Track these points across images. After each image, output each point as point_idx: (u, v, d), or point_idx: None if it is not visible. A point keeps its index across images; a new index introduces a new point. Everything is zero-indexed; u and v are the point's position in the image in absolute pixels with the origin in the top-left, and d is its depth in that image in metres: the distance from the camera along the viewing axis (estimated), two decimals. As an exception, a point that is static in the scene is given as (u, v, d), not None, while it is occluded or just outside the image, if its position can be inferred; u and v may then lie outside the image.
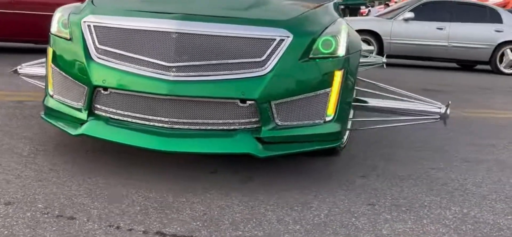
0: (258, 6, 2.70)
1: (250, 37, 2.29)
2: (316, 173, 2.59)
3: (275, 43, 2.30)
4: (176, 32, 2.24)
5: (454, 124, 4.06)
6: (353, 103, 2.97)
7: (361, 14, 18.87)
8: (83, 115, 2.40)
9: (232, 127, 2.30)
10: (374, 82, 3.10)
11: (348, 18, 9.75)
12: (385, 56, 8.31)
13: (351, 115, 3.08)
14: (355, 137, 3.26)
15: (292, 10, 2.64)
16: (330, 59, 2.43)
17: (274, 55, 2.29)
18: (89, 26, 2.42)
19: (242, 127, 2.31)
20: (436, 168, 2.80)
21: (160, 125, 2.29)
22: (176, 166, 2.52)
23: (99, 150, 2.66)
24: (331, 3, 3.23)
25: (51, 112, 2.58)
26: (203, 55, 2.26)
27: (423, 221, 2.05)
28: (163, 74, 2.23)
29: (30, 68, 3.42)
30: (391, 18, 9.49)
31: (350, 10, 22.89)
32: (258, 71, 2.28)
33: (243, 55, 2.28)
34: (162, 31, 2.27)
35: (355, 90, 3.12)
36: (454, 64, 10.38)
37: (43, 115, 2.63)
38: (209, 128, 2.30)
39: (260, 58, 2.28)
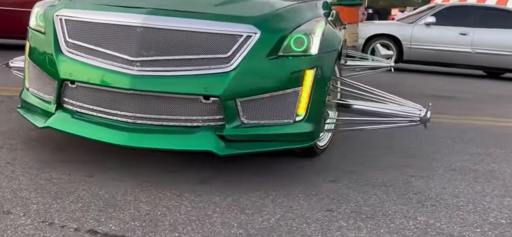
0: (231, 2, 2.63)
1: (216, 33, 2.25)
2: (283, 175, 2.49)
3: (241, 39, 2.25)
4: (141, 27, 2.22)
5: (455, 131, 3.90)
6: (335, 105, 2.88)
7: (392, 19, 18.54)
8: (52, 108, 2.41)
9: (195, 124, 2.25)
10: (359, 85, 2.98)
11: (367, 22, 9.57)
12: (392, 60, 8.15)
13: (334, 117, 2.98)
14: (343, 139, 3.15)
15: (265, 7, 2.55)
16: (302, 57, 2.36)
17: (240, 52, 2.24)
18: (61, 20, 2.43)
19: (206, 124, 2.26)
20: (417, 176, 2.65)
21: (124, 119, 2.26)
22: (137, 162, 2.46)
23: (67, 144, 2.63)
24: (317, 1, 3.14)
25: (26, 105, 2.61)
26: (168, 50, 2.22)
27: (380, 231, 1.92)
28: (127, 69, 2.21)
29: (22, 62, 3.46)
30: (412, 22, 9.23)
31: (379, 15, 22.52)
32: (223, 67, 2.22)
33: (208, 51, 2.23)
34: (128, 25, 2.26)
35: (338, 92, 3.03)
36: (480, 72, 9.99)
37: (18, 109, 2.64)
38: (171, 124, 2.25)
39: (225, 55, 2.23)
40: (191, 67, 2.23)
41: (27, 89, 2.62)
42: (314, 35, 2.42)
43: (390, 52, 9.03)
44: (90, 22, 2.35)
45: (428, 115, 2.70)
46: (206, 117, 2.25)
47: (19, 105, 2.66)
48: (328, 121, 2.96)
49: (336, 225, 1.94)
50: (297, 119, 2.35)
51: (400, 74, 8.67)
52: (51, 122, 2.35)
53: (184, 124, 2.25)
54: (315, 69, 2.37)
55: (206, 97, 2.21)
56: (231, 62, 2.23)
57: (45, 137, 2.70)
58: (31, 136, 2.76)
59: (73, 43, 2.37)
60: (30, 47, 2.60)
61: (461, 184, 2.57)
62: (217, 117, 2.25)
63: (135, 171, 2.35)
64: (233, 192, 2.19)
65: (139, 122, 2.25)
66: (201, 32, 2.24)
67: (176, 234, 1.76)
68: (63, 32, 2.40)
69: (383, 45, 9.06)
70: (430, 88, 6.77)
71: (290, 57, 2.34)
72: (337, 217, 2.02)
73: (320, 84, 2.43)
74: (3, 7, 6.46)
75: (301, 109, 2.35)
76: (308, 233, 1.85)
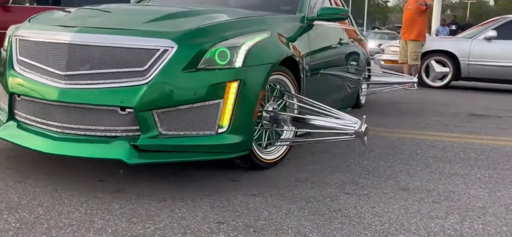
0: (160, 20, 2.68)
1: (134, 47, 2.36)
2: (201, 186, 2.50)
3: (158, 53, 2.34)
4: (69, 43, 2.41)
5: (449, 149, 3.63)
6: (289, 119, 2.88)
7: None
8: (4, 117, 2.67)
9: (113, 134, 2.37)
10: (306, 99, 2.93)
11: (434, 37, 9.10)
12: (448, 77, 7.87)
13: (290, 131, 2.98)
14: (313, 153, 3.10)
15: (191, 23, 2.62)
16: (224, 70, 2.42)
17: (156, 65, 2.33)
18: (16, 39, 2.68)
19: (124, 134, 2.36)
20: (352, 193, 2.52)
21: (54, 129, 2.45)
22: (78, 169, 2.63)
23: (23, 154, 2.88)
24: (270, 17, 3.16)
25: None
26: (91, 65, 2.37)
27: (253, 244, 1.88)
28: (56, 82, 2.40)
29: None
30: (470, 37, 8.65)
31: (463, 31, 21.11)
32: (139, 80, 2.33)
33: (127, 64, 2.35)
34: (60, 43, 2.45)
35: (294, 108, 2.99)
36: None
37: None
38: (93, 134, 2.39)
39: (142, 68, 2.34)
40: (111, 80, 2.35)
41: None
42: (240, 49, 2.48)
43: (446, 70, 8.55)
44: (35, 40, 2.58)
45: (363, 128, 2.63)
46: (124, 128, 2.36)
47: None
48: (284, 136, 2.96)
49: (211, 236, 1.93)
50: (220, 130, 2.41)
51: (456, 92, 8.17)
52: None
53: (104, 134, 2.37)
54: (238, 81, 2.42)
55: (123, 108, 2.32)
56: (147, 75, 2.32)
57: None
58: None
59: (22, 60, 2.60)
60: None
61: (395, 204, 2.41)
62: (134, 128, 2.34)
63: (63, 177, 2.51)
64: (138, 203, 2.25)
65: (67, 131, 2.41)
66: (122, 47, 2.37)
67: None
68: (16, 50, 2.65)
69: (438, 62, 8.60)
70: (469, 106, 6.29)
71: (207, 71, 2.40)
72: (225, 229, 2.00)
73: (245, 96, 2.46)
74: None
75: (224, 121, 2.41)
76: (175, 242, 1.87)
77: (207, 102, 2.37)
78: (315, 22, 3.67)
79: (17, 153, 2.90)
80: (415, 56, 8.06)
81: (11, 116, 2.62)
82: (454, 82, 8.77)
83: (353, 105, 5.39)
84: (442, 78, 8.63)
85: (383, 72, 6.84)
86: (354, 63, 5.05)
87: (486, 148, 3.79)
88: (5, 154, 2.88)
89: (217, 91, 2.38)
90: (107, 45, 2.38)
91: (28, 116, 2.55)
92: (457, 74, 8.51)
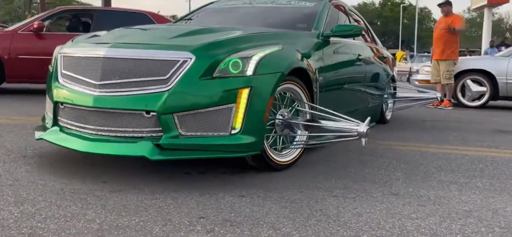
0: (182, 36, 3.06)
1: (158, 59, 2.72)
2: (195, 187, 2.64)
3: (178, 64, 2.68)
4: (103, 57, 2.78)
5: (458, 160, 3.62)
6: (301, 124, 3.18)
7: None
8: (50, 123, 3.07)
9: (139, 135, 2.69)
10: (315, 106, 3.06)
11: (461, 58, 8.91)
12: (486, 97, 7.81)
13: (302, 135, 3.25)
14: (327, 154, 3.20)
15: (210, 37, 2.98)
16: (237, 78, 2.72)
17: (177, 74, 2.66)
18: (61, 56, 3.08)
19: (148, 135, 2.68)
20: (339, 196, 2.59)
21: (89, 131, 2.80)
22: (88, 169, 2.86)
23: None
24: (283, 33, 3.56)
25: (42, 124, 3.27)
26: (122, 75, 2.72)
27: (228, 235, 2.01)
28: (92, 91, 2.77)
29: None
30: (508, 56, 8.43)
31: None
32: (162, 87, 2.65)
33: (152, 74, 2.69)
34: (95, 57, 2.84)
35: (307, 113, 3.26)
36: None
37: (35, 127, 3.33)
38: (121, 135, 2.72)
39: (165, 77, 2.67)
40: (138, 88, 2.68)
41: (46, 112, 3.28)
42: (251, 60, 2.79)
43: (483, 89, 8.35)
44: (76, 56, 2.97)
45: (364, 129, 2.94)
46: (148, 129, 2.67)
47: (36, 127, 3.34)
48: (296, 139, 3.24)
49: (189, 228, 2.07)
50: (233, 131, 2.70)
51: (495, 111, 7.97)
52: (43, 135, 3.00)
53: (131, 135, 2.70)
54: (249, 88, 2.72)
55: (147, 112, 2.64)
56: (169, 83, 2.65)
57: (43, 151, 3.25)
58: (27, 153, 3.33)
59: (65, 74, 2.99)
60: (47, 81, 3.27)
61: (380, 206, 2.46)
62: (157, 129, 2.65)
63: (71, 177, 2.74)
64: (131, 198, 2.43)
65: (100, 133, 2.76)
66: (147, 59, 2.73)
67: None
68: (61, 65, 3.05)
69: (474, 81, 8.42)
70: (506, 125, 6.14)
71: (222, 79, 2.69)
72: (201, 222, 2.14)
73: (256, 101, 2.75)
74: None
75: (237, 123, 2.70)
76: (152, 232, 2.02)
77: (221, 107, 2.67)
78: (331, 39, 3.94)
79: (38, 159, 3.17)
80: (448, 75, 7.96)
81: (55, 122, 3.01)
82: (495, 103, 8.55)
83: (377, 120, 5.53)
84: (479, 98, 8.44)
85: (408, 89, 7.02)
86: (375, 78, 5.22)
87: (498, 160, 3.74)
88: (25, 160, 3.16)
89: (230, 96, 2.68)
90: (135, 58, 2.74)
91: (68, 121, 2.93)
92: (495, 94, 8.30)
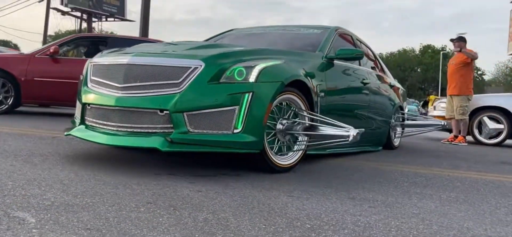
0: (195, 49, 3.47)
1: (173, 66, 3.11)
2: (165, 185, 2.77)
3: (190, 70, 3.07)
4: (126, 64, 3.20)
5: (439, 180, 3.61)
6: (301, 130, 3.49)
7: None
8: (77, 123, 3.48)
9: (153, 130, 3.06)
10: (315, 115, 3.21)
11: (478, 95, 8.84)
12: (503, 135, 7.79)
13: (302, 140, 3.57)
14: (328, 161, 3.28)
15: (219, 50, 3.40)
16: (239, 84, 3.08)
17: (188, 79, 3.05)
18: (91, 65, 3.52)
19: (161, 130, 3.04)
20: (294, 197, 2.66)
21: (111, 128, 3.18)
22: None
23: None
24: (287, 51, 3.98)
25: (71, 125, 3.63)
26: (141, 79, 3.12)
27: (171, 220, 2.12)
28: (115, 92, 3.18)
29: None
30: (526, 93, 8.27)
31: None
32: (175, 90, 3.04)
33: (167, 78, 3.08)
34: (120, 64, 3.25)
35: (305, 121, 3.55)
36: None
37: (65, 129, 3.63)
38: (138, 130, 3.09)
39: (178, 81, 3.06)
40: (155, 90, 3.07)
41: (74, 116, 3.69)
42: (254, 69, 3.15)
43: (500, 126, 8.20)
44: (103, 64, 3.39)
45: (354, 133, 3.29)
46: (161, 126, 3.04)
47: (66, 127, 3.67)
48: (297, 144, 3.54)
49: (133, 209, 2.20)
50: (235, 130, 3.04)
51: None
52: (72, 131, 3.40)
53: (146, 130, 3.07)
54: (251, 93, 3.07)
55: (161, 110, 3.01)
56: (181, 86, 3.03)
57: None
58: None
59: (94, 79, 3.41)
60: (78, 88, 3.65)
61: (330, 206, 2.52)
62: (169, 125, 3.01)
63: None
64: (101, 186, 2.59)
65: (120, 129, 3.14)
66: (163, 66, 3.12)
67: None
68: (90, 72, 3.47)
69: (491, 118, 8.29)
70: (500, 157, 6.02)
71: (227, 84, 3.07)
72: (147, 207, 2.26)
73: (256, 105, 3.10)
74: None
75: (239, 123, 3.04)
76: (103, 211, 2.16)
77: (225, 108, 3.02)
78: (335, 62, 4.37)
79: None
80: (461, 110, 7.87)
81: (82, 121, 3.42)
82: None
83: (384, 145, 5.85)
84: (496, 136, 8.27)
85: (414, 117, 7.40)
86: (380, 104, 5.54)
87: (479, 181, 3.71)
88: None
89: (234, 100, 3.03)
90: (153, 64, 3.14)
91: (93, 120, 3.32)
92: (511, 132, 8.11)
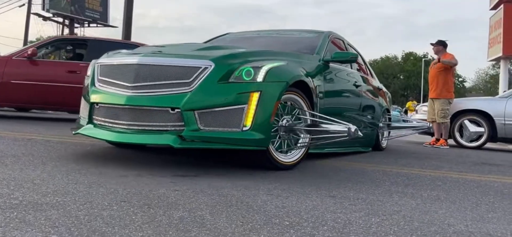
0: (203, 50, 3.58)
1: (183, 66, 3.19)
2: (145, 184, 2.69)
3: (200, 70, 3.16)
4: (137, 64, 3.26)
5: (421, 179, 3.59)
6: (303, 128, 3.64)
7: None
8: (85, 122, 3.51)
9: (164, 128, 3.13)
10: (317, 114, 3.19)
11: (459, 99, 8.92)
12: (483, 138, 7.84)
13: (305, 138, 3.69)
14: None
15: (227, 51, 3.49)
16: (248, 83, 3.17)
17: (198, 78, 3.13)
18: (97, 65, 3.58)
19: (172, 128, 3.11)
20: (274, 195, 2.60)
21: (121, 126, 3.23)
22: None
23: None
24: (289, 53, 4.13)
25: (77, 125, 3.69)
26: (152, 78, 3.19)
27: (140, 215, 2.05)
28: (125, 91, 3.22)
29: None
30: (507, 97, 8.36)
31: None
32: (185, 89, 3.12)
33: (178, 78, 3.16)
34: (130, 64, 3.31)
35: (308, 119, 3.70)
36: None
37: (72, 128, 3.72)
38: (150, 128, 3.15)
39: (188, 80, 3.14)
40: (166, 89, 3.14)
41: (79, 116, 3.75)
42: (261, 69, 3.25)
43: (481, 129, 8.26)
44: (111, 64, 3.44)
45: (353, 129, 3.44)
46: (173, 124, 3.11)
47: (73, 127, 3.75)
48: (300, 141, 3.68)
49: (106, 207, 2.12)
50: (244, 128, 3.13)
51: (498, 153, 7.84)
52: (81, 130, 3.46)
53: (158, 128, 3.14)
54: (259, 92, 3.17)
55: (173, 109, 3.08)
56: (192, 85, 3.12)
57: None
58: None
59: (101, 79, 3.45)
60: (83, 88, 3.72)
61: (309, 203, 2.46)
62: (180, 123, 3.08)
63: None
64: (91, 178, 2.50)
65: (131, 127, 3.19)
66: (174, 66, 3.20)
67: None
68: (97, 73, 3.52)
69: (472, 121, 8.34)
70: (498, 160, 6.03)
71: (236, 83, 3.16)
72: (120, 205, 2.18)
73: (264, 104, 3.19)
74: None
75: (248, 121, 3.13)
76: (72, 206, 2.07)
77: (235, 107, 3.12)
78: (331, 64, 4.53)
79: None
80: (442, 113, 7.91)
81: (90, 120, 3.44)
82: (503, 145, 8.43)
83: (373, 147, 6.03)
84: (477, 139, 8.33)
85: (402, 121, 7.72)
86: (370, 106, 5.74)
87: (460, 180, 3.70)
88: (35, 161, 3.27)
89: (243, 98, 3.13)
90: (164, 65, 3.21)
91: (102, 118, 3.35)
92: (493, 135, 8.18)
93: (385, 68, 71.80)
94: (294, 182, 3.09)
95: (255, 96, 3.14)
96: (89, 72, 3.68)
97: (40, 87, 6.86)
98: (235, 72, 3.18)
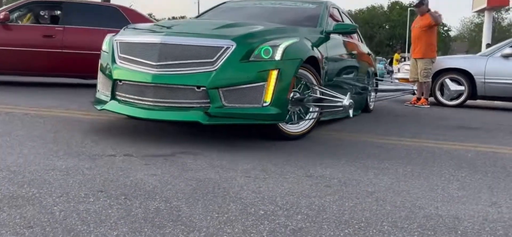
0: (222, 28, 3.75)
1: (206, 45, 3.38)
2: (125, 168, 2.70)
3: (223, 49, 3.34)
4: (160, 43, 3.39)
5: (399, 150, 3.65)
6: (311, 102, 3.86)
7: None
8: (108, 99, 3.62)
9: (190, 105, 3.32)
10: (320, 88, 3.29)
11: (440, 57, 8.98)
12: (464, 96, 7.93)
13: (313, 110, 3.96)
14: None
15: (244, 29, 3.66)
16: (268, 61, 3.38)
17: (221, 57, 3.31)
18: (116, 42, 3.67)
19: (198, 105, 3.31)
20: (252, 177, 2.63)
21: (147, 103, 3.39)
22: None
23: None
24: (309, 28, 4.43)
25: (97, 100, 3.82)
26: (176, 57, 3.34)
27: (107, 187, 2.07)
28: (150, 70, 3.36)
29: None
30: (487, 55, 8.43)
31: None
32: (210, 68, 3.30)
33: (202, 57, 3.34)
34: (152, 43, 3.45)
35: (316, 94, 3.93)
36: None
37: (92, 103, 3.87)
38: (176, 105, 3.33)
39: (212, 59, 3.32)
40: (190, 68, 3.31)
41: (98, 90, 3.87)
42: (278, 48, 3.44)
43: (461, 88, 8.36)
44: (132, 42, 3.58)
45: (347, 102, 3.70)
46: (198, 101, 3.30)
47: (92, 100, 3.92)
48: (308, 114, 3.93)
49: (83, 199, 2.13)
50: (264, 104, 3.36)
51: (476, 110, 7.96)
52: (106, 106, 3.58)
53: (184, 105, 3.32)
54: (277, 70, 3.38)
55: (198, 87, 3.28)
56: (215, 64, 3.30)
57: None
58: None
59: (122, 56, 3.56)
60: (100, 63, 3.81)
61: (285, 186, 2.50)
62: (205, 100, 3.28)
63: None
64: (68, 161, 2.50)
65: (157, 104, 3.35)
66: (197, 45, 3.38)
67: None
68: (117, 50, 3.61)
69: (452, 80, 8.43)
70: (477, 122, 6.15)
71: (256, 62, 3.36)
72: (96, 195, 2.19)
73: (282, 80, 3.41)
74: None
75: (268, 97, 3.36)
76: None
77: (256, 84, 3.34)
78: (332, 35, 4.72)
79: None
80: (425, 73, 7.96)
81: (113, 97, 3.57)
82: (486, 103, 8.55)
83: (363, 109, 6.26)
84: (458, 97, 8.44)
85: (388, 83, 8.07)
86: (362, 72, 5.99)
87: (436, 151, 3.77)
88: (12, 141, 3.25)
89: (263, 76, 3.34)
90: (187, 44, 3.38)
91: (126, 95, 3.49)
92: (473, 93, 8.29)
93: (370, 18, 71.48)
94: (273, 159, 3.12)
95: (274, 74, 3.34)
96: (105, 48, 3.78)
97: (14, 53, 6.73)
98: (255, 51, 3.37)
